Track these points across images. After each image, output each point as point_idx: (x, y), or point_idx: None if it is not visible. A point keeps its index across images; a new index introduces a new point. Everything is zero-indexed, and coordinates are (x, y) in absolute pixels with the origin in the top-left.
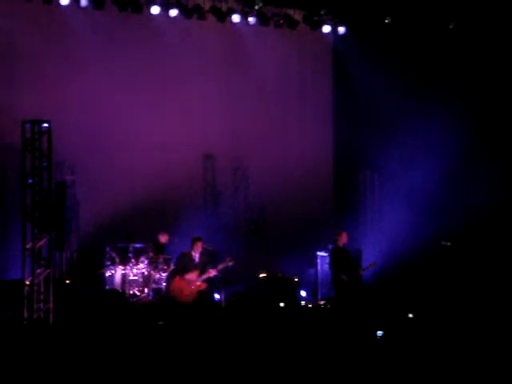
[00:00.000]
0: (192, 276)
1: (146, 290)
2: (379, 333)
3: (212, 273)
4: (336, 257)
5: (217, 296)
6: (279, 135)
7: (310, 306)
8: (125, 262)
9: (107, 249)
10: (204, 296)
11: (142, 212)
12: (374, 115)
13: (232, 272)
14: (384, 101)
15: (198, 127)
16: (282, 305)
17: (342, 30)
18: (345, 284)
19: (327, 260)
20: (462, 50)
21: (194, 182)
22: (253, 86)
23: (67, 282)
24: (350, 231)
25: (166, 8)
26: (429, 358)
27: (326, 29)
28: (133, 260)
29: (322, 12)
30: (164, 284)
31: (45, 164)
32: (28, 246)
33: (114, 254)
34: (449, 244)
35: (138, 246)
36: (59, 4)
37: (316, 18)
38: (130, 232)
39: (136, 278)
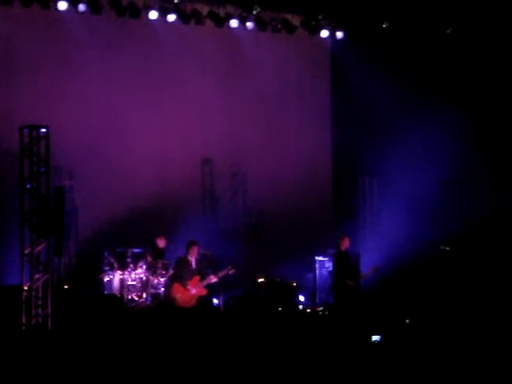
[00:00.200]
0: (193, 282)
1: (144, 295)
2: (376, 338)
3: (213, 279)
4: (339, 261)
5: (215, 301)
6: (278, 140)
7: (308, 310)
8: (123, 267)
9: (105, 254)
10: (203, 301)
11: (141, 217)
12: (373, 120)
13: (231, 277)
14: (382, 106)
15: (196, 132)
16: (280, 309)
17: (340, 34)
18: (348, 289)
19: (326, 265)
20: (459, 55)
21: (193, 187)
22: (251, 91)
23: (65, 287)
24: (348, 236)
25: (163, 13)
26: (427, 364)
27: (324, 34)
28: (131, 265)
29: (320, 17)
30: (162, 289)
31: (43, 169)
32: (26, 252)
33: (112, 259)
34: (447, 249)
35: (136, 250)
36: (57, 9)
37: (314, 23)
38: (129, 237)
39: (134, 282)
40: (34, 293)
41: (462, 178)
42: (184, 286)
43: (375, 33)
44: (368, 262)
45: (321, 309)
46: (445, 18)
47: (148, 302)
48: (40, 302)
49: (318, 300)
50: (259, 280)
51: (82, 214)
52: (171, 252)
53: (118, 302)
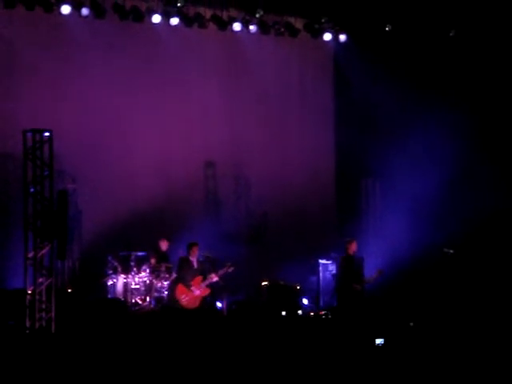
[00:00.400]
0: (196, 283)
1: (147, 299)
2: (380, 341)
3: (214, 278)
4: (346, 265)
5: (219, 304)
6: (280, 143)
7: (311, 314)
8: (127, 271)
9: (109, 257)
10: (206, 304)
11: (144, 220)
12: (375, 122)
13: (234, 280)
14: (385, 108)
15: (199, 135)
16: (283, 313)
17: (342, 37)
18: (353, 293)
19: (329, 267)
20: (462, 58)
21: (195, 189)
22: (254, 94)
23: (69, 290)
24: (356, 240)
25: (166, 17)
26: (431, 367)
27: (327, 37)
28: (135, 268)
29: (323, 20)
30: (166, 292)
31: (46, 173)
32: (30, 255)
33: (115, 263)
34: (451, 251)
35: (139, 254)
36: (60, 13)
37: (317, 26)
38: (132, 240)
39: (138, 286)
40: (37, 296)
41: (465, 180)
42: (188, 287)
43: (378, 36)
44: (371, 265)
45: (324, 312)
46: (447, 20)
47: (152, 306)
48: (44, 306)
49: (321, 303)
50: (262, 283)
51: (86, 217)
52: (174, 255)
53: (121, 305)
